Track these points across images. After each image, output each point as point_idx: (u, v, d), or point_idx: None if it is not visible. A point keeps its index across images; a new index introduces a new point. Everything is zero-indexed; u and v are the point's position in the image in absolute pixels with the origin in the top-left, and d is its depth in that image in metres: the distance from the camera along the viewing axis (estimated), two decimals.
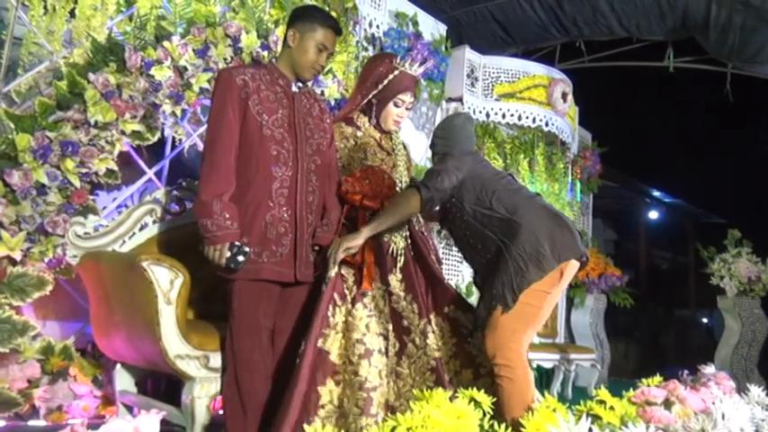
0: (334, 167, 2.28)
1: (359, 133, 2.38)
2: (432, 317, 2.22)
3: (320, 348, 1.97)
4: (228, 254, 1.94)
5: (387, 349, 2.10)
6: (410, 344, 2.17)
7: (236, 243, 1.97)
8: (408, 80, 2.38)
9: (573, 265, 2.16)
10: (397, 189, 2.31)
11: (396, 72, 2.36)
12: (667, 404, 2.10)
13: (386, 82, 2.36)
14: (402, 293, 2.21)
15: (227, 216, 1.97)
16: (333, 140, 2.31)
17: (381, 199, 2.22)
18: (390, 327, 2.16)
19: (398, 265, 2.23)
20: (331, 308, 2.03)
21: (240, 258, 1.96)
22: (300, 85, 2.22)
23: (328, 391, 1.95)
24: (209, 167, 2.00)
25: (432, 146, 2.48)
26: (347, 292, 2.11)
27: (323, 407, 1.94)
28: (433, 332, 2.20)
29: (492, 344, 2.06)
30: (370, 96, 2.38)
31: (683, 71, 6.78)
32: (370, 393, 1.97)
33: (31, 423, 2.51)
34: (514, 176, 2.39)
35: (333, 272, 2.08)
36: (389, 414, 1.84)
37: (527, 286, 2.05)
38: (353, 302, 2.08)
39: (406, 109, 2.41)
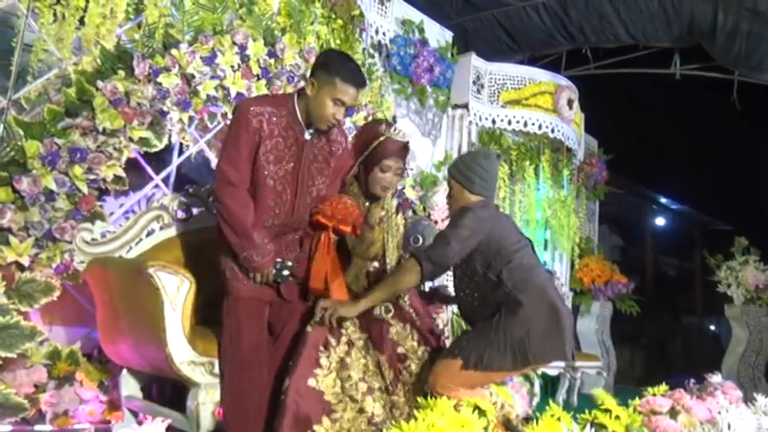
0: None
1: None
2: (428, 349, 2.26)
3: (312, 388, 2.00)
4: (274, 271, 2.10)
5: (387, 387, 2.13)
6: (404, 371, 2.19)
7: (278, 260, 2.11)
8: (395, 146, 2.36)
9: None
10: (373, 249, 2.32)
11: (381, 138, 2.35)
12: (673, 413, 2.09)
13: (371, 148, 2.34)
14: (400, 326, 2.24)
15: (266, 241, 2.08)
16: (334, 180, 2.32)
17: (338, 220, 2.20)
18: (384, 357, 2.16)
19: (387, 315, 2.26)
20: (323, 348, 2.06)
21: (285, 273, 2.11)
22: (313, 131, 2.21)
23: (324, 430, 1.97)
24: (231, 213, 2.06)
25: (466, 179, 2.34)
26: (343, 331, 2.12)
27: None
28: (430, 361, 2.23)
29: (434, 381, 2.06)
30: (358, 162, 2.38)
31: (690, 78, 6.77)
32: (379, 426, 2.00)
33: (38, 428, 2.52)
34: (534, 246, 2.32)
35: (318, 317, 2.10)
36: None
37: (494, 369, 2.04)
38: (349, 345, 2.11)
39: (396, 175, 2.38)
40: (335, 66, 2.14)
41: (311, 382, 2.00)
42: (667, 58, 6.73)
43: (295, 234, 2.24)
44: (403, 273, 2.14)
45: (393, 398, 2.13)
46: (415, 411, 1.54)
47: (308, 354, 2.04)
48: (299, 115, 2.16)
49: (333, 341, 2.08)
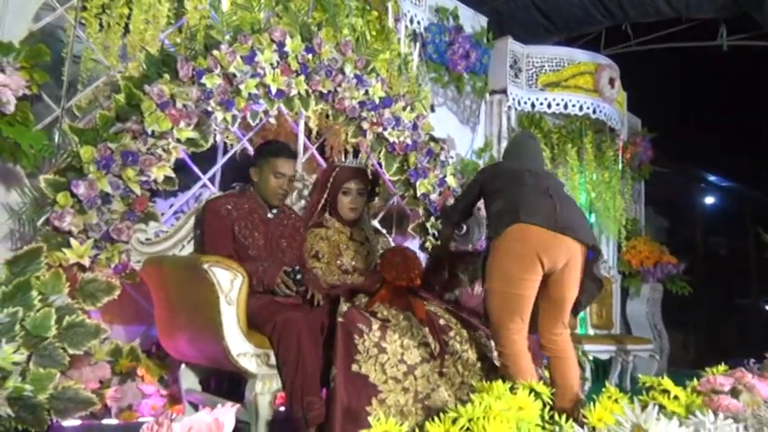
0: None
1: (329, 233, 2.76)
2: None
3: (356, 373, 2.08)
4: (290, 280, 2.29)
5: (431, 353, 2.19)
6: (451, 341, 2.22)
7: (286, 269, 2.31)
8: (349, 171, 2.79)
9: (557, 250, 2.21)
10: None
11: (336, 169, 2.79)
12: (734, 393, 2.04)
13: (331, 180, 2.78)
14: (433, 302, 2.39)
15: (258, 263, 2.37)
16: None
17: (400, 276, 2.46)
18: (426, 330, 2.23)
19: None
20: (357, 336, 2.14)
21: (299, 276, 2.30)
22: (275, 211, 2.62)
23: (374, 410, 2.03)
24: None
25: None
26: (373, 319, 2.20)
27: None
28: (474, 327, 2.33)
29: (491, 332, 2.25)
30: (324, 197, 2.79)
31: (738, 49, 6.50)
32: (425, 402, 2.09)
33: (105, 422, 2.63)
34: (540, 174, 2.51)
35: (345, 306, 2.21)
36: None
37: (497, 236, 2.26)
38: (383, 329, 2.18)
39: (360, 195, 2.78)
40: (267, 149, 2.65)
41: (354, 367, 2.08)
42: (712, 29, 6.48)
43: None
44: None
45: (443, 369, 2.17)
46: (469, 395, 1.54)
47: (344, 342, 2.12)
48: (258, 200, 2.59)
49: (364, 328, 2.15)
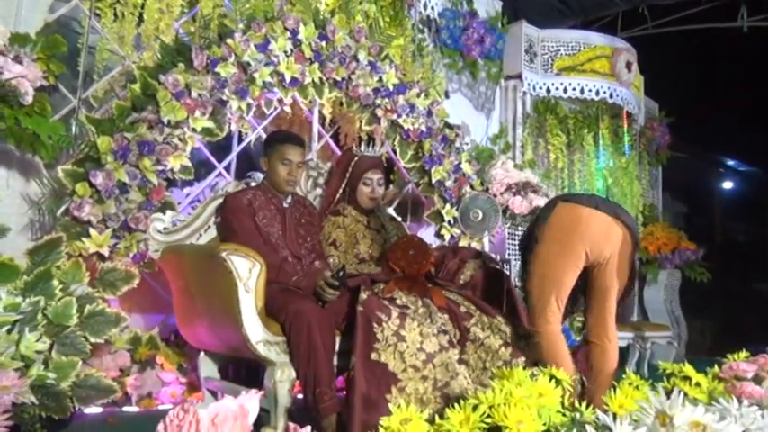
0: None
1: (346, 221, 2.71)
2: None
3: (375, 361, 2.07)
4: (335, 282, 2.24)
5: (450, 341, 2.17)
6: (473, 327, 2.22)
7: (332, 272, 2.28)
8: (370, 161, 2.73)
9: (602, 239, 2.22)
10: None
11: (356, 158, 2.73)
12: (757, 379, 2.01)
13: (350, 169, 2.71)
14: (449, 291, 2.36)
15: (298, 269, 2.37)
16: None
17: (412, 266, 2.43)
18: (447, 316, 2.22)
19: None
20: (376, 325, 2.12)
21: (342, 274, 2.25)
22: (290, 200, 2.61)
23: (394, 398, 2.03)
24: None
25: None
26: (392, 307, 2.18)
27: None
28: (493, 314, 2.31)
29: (529, 312, 2.29)
30: (343, 186, 2.74)
31: (758, 30, 6.37)
32: (444, 390, 2.07)
33: (126, 409, 2.66)
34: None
35: (365, 294, 2.19)
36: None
37: (538, 228, 2.26)
38: (402, 318, 2.16)
39: (379, 185, 2.73)
40: (274, 138, 2.62)
41: (373, 356, 2.07)
42: (732, 10, 6.35)
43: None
44: None
45: (463, 356, 2.17)
46: (490, 381, 1.54)
47: (364, 331, 2.11)
48: (272, 189, 2.57)
49: (383, 316, 2.14)
